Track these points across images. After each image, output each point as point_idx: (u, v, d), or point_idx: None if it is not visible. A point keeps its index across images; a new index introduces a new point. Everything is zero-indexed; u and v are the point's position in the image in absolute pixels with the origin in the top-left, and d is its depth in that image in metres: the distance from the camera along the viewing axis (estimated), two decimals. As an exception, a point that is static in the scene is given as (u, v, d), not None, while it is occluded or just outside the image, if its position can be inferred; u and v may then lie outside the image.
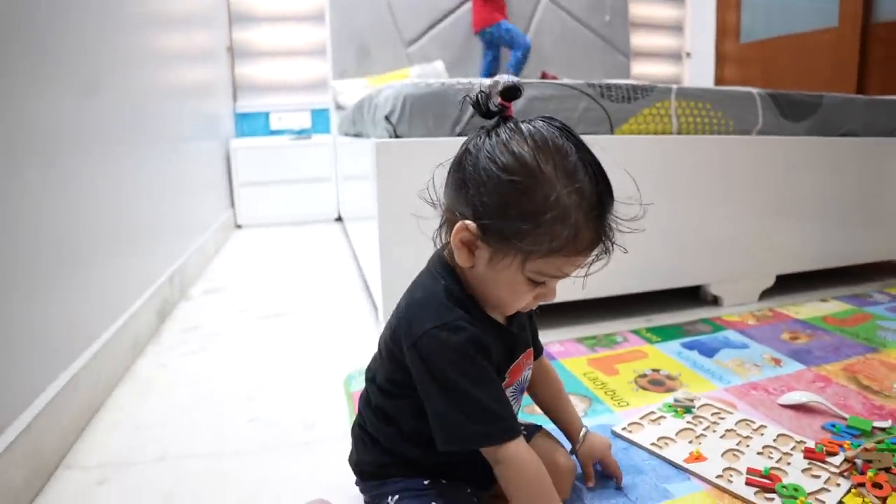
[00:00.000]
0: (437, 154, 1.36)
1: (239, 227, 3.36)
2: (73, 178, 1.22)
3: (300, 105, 3.61)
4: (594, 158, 0.66)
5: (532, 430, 0.91)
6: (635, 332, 1.57)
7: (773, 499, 0.87)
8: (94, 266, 1.28)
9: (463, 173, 0.67)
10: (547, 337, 1.53)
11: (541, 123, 0.66)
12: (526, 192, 0.63)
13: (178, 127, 2.21)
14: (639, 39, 4.17)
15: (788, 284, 1.92)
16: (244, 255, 2.66)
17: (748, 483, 0.91)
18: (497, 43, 3.39)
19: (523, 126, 0.65)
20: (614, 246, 0.69)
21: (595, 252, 0.68)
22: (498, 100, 0.68)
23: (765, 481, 0.90)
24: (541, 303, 0.74)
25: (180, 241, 2.07)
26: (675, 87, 1.59)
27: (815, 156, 1.76)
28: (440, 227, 0.74)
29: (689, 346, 1.46)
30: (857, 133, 1.86)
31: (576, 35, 3.87)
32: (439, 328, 0.67)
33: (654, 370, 1.33)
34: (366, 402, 0.83)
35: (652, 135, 1.56)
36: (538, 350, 0.91)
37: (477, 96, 0.68)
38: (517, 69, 3.32)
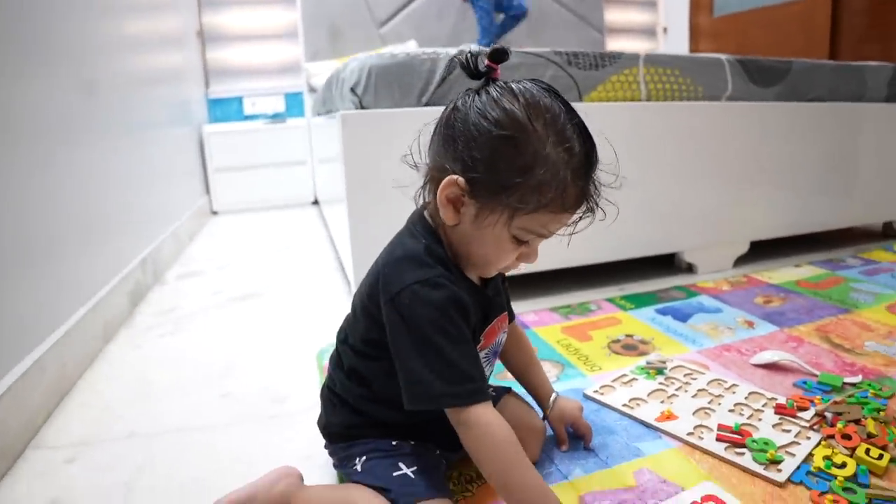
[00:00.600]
0: (403, 124, 1.38)
1: (215, 213, 3.32)
2: (40, 165, 1.20)
3: (273, 89, 3.57)
4: (580, 119, 0.67)
5: (501, 392, 0.92)
6: (609, 300, 1.58)
7: (743, 453, 0.88)
8: (61, 252, 1.25)
9: (452, 130, 0.67)
10: (522, 307, 1.54)
11: (529, 84, 0.66)
12: (517, 147, 0.63)
13: (146, 114, 2.17)
14: (612, 15, 4.16)
15: (763, 251, 1.94)
16: (220, 241, 2.63)
17: (719, 439, 0.91)
18: (487, 6, 3.28)
19: (513, 85, 0.66)
20: (598, 206, 0.70)
21: (580, 212, 0.69)
22: (486, 61, 0.68)
23: (735, 436, 0.91)
24: (523, 263, 0.74)
25: (152, 227, 2.04)
26: (643, 54, 1.58)
27: (785, 121, 1.77)
28: (423, 186, 0.74)
29: (663, 312, 1.47)
30: (825, 98, 1.87)
31: (549, 10, 3.85)
32: (420, 283, 0.67)
33: (627, 335, 1.34)
34: (336, 363, 0.82)
35: (621, 101, 1.56)
36: (511, 316, 0.91)
37: (466, 57, 0.69)
38: (501, 32, 3.28)
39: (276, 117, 3.54)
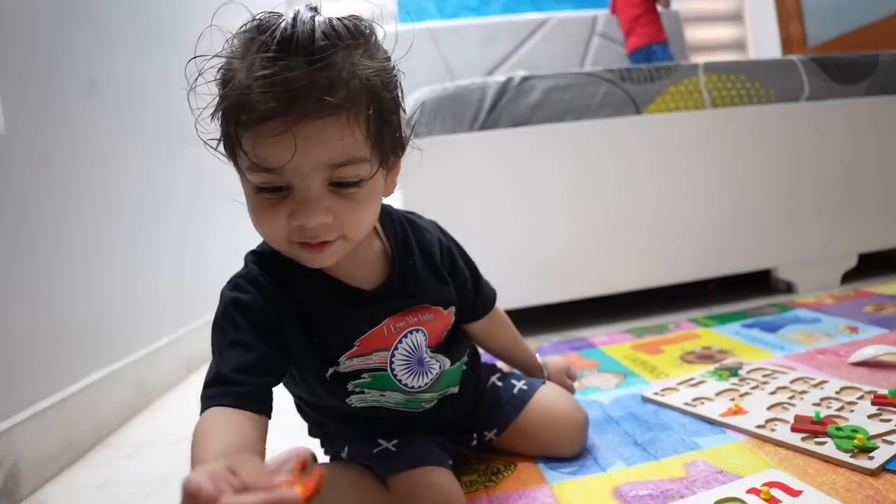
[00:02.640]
0: (457, 149, 1.40)
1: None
2: (163, 227, 1.38)
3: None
4: (317, 18, 0.52)
5: (535, 386, 0.85)
6: (692, 320, 1.45)
7: (824, 442, 0.75)
8: (159, 283, 1.40)
9: None
10: (593, 331, 1.45)
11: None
12: (220, 71, 0.54)
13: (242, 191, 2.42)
14: (697, 59, 4.07)
15: (877, 266, 1.71)
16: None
17: (794, 429, 0.79)
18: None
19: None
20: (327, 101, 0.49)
21: (301, 119, 0.49)
22: None
23: (815, 426, 0.78)
24: (303, 223, 0.53)
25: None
26: (702, 62, 1.53)
27: (882, 117, 1.60)
28: None
29: (750, 326, 1.33)
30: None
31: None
32: (227, 282, 0.62)
33: (704, 347, 1.22)
34: None
35: (683, 111, 1.50)
36: (487, 305, 0.81)
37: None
38: None
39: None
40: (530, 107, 1.44)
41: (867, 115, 1.59)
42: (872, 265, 1.69)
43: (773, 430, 0.80)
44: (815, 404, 0.86)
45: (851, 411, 0.82)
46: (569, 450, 0.79)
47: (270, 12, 0.53)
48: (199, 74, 0.55)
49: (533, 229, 1.45)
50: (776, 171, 1.55)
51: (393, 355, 0.66)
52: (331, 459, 0.76)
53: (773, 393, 0.92)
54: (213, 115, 0.54)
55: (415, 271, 0.68)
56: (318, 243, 0.55)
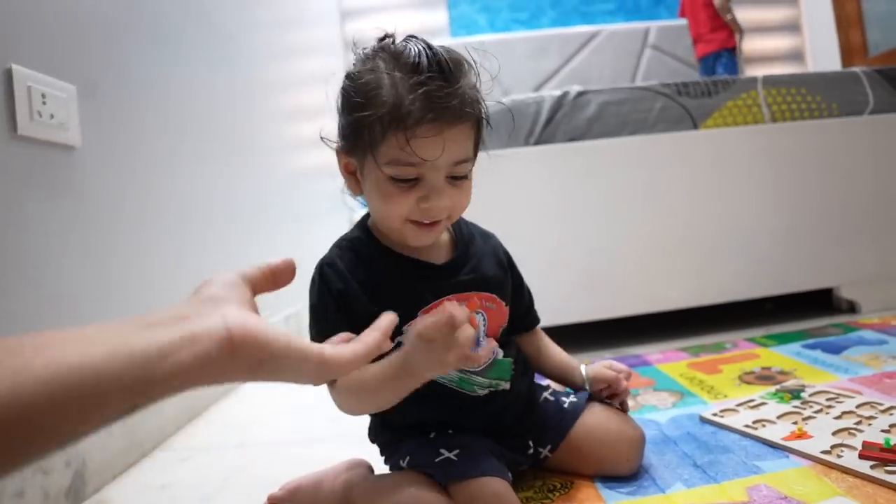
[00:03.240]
0: (512, 162, 1.41)
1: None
2: (218, 237, 1.51)
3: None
4: (434, 47, 0.64)
5: (582, 400, 0.84)
6: (750, 339, 1.41)
7: (895, 471, 0.72)
8: None
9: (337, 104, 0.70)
10: (647, 348, 1.43)
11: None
12: (356, 83, 0.65)
13: (306, 202, 2.51)
14: (753, 71, 3.97)
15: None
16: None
17: (862, 456, 0.76)
18: (713, 71, 3.28)
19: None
20: (469, 112, 0.64)
21: (444, 126, 0.62)
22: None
23: (886, 454, 0.75)
24: (432, 206, 0.65)
25: (299, 291, 2.23)
26: (761, 76, 1.50)
27: (951, 132, 1.53)
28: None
29: (812, 347, 1.28)
30: None
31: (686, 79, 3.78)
32: (316, 268, 0.72)
33: (763, 368, 1.18)
34: None
35: (741, 126, 1.47)
36: (530, 321, 0.86)
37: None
38: None
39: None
40: (586, 121, 1.43)
41: (937, 129, 1.53)
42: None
43: (839, 455, 0.78)
44: (883, 430, 0.83)
45: (924, 439, 0.79)
46: (625, 468, 0.78)
47: (386, 36, 0.67)
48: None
49: (586, 243, 1.44)
50: (838, 187, 1.50)
51: None
52: (391, 469, 0.77)
53: (838, 417, 0.89)
54: (349, 119, 0.65)
55: (476, 254, 0.77)
56: (431, 223, 0.67)
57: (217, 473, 0.97)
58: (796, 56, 3.95)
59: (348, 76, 0.67)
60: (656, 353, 1.37)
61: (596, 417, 0.81)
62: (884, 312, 1.50)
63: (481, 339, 0.74)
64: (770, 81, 1.49)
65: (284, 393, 1.41)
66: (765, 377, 1.13)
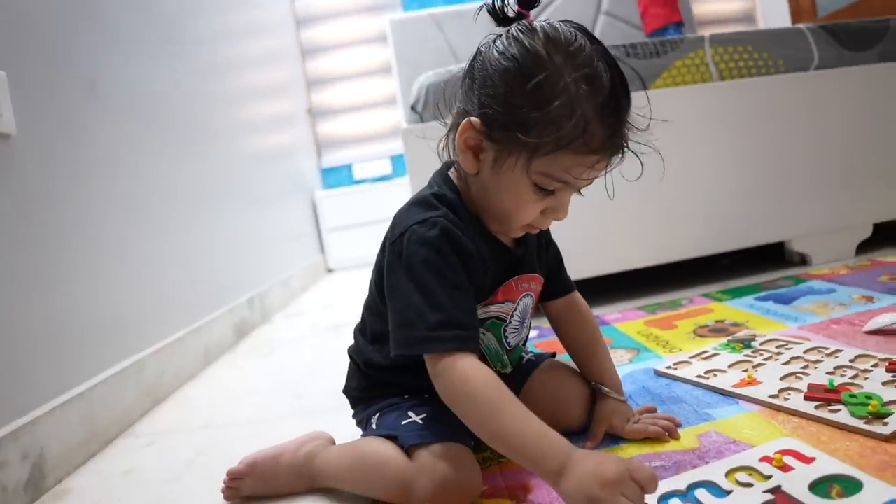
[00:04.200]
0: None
1: (330, 270, 3.52)
2: (182, 223, 1.49)
3: (379, 153, 3.80)
4: (611, 57, 0.63)
5: (542, 357, 0.86)
6: (705, 295, 1.44)
7: (838, 409, 0.74)
8: (170, 279, 1.43)
9: (472, 72, 0.65)
10: (606, 309, 1.45)
11: (555, 21, 0.64)
12: (532, 79, 0.60)
13: (265, 185, 2.46)
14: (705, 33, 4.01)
15: (892, 234, 1.69)
16: (329, 291, 2.77)
17: (807, 398, 0.79)
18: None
19: (536, 24, 0.63)
20: (626, 150, 0.64)
21: (610, 158, 0.63)
22: (516, 7, 0.66)
23: (828, 394, 0.78)
24: (552, 219, 0.70)
25: (261, 275, 2.21)
26: (707, 35, 1.51)
27: (895, 84, 1.57)
28: (447, 134, 0.71)
29: (764, 299, 1.32)
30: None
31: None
32: (420, 224, 0.66)
33: (717, 321, 1.22)
34: (358, 328, 0.83)
35: (691, 85, 1.48)
36: (565, 287, 0.87)
37: (493, 2, 0.66)
38: None
39: (381, 179, 3.76)
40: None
41: (880, 82, 1.56)
42: (888, 235, 1.68)
43: (786, 399, 0.80)
44: (828, 373, 0.86)
45: (866, 379, 0.82)
46: (577, 421, 0.80)
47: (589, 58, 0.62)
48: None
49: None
50: (787, 143, 1.53)
51: (516, 308, 0.76)
52: (357, 423, 0.80)
53: (786, 363, 0.92)
54: (512, 111, 0.61)
55: (531, 240, 0.78)
56: (538, 228, 0.71)
57: (182, 456, 0.97)
58: (748, 18, 4.00)
59: (514, 58, 0.61)
60: (614, 313, 1.40)
61: (548, 373, 0.83)
62: (833, 263, 1.55)
63: (526, 319, 0.79)
64: (717, 40, 1.51)
65: (250, 374, 1.40)
66: (718, 330, 1.16)
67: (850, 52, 1.56)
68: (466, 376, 0.61)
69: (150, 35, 1.53)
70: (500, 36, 0.64)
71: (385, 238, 0.73)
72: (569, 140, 0.59)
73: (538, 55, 0.60)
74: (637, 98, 0.66)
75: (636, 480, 0.53)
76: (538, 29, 0.62)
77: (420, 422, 0.70)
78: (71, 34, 1.17)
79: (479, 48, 0.66)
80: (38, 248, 0.98)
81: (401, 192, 3.51)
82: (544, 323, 0.90)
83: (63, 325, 1.01)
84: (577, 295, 0.88)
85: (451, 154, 0.71)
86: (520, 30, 0.63)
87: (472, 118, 0.64)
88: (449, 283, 0.64)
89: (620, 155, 0.65)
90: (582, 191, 0.69)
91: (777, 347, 0.99)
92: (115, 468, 0.96)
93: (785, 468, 0.63)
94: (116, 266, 1.20)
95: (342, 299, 2.42)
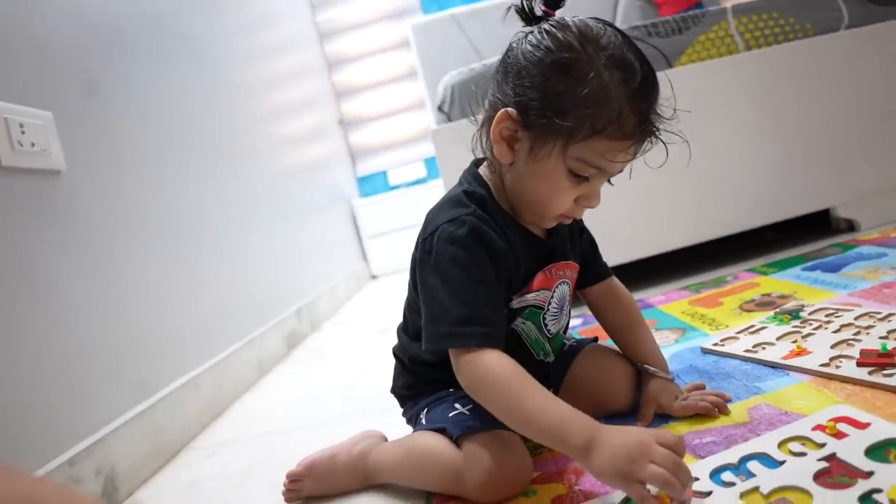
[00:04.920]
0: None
1: (374, 277, 3.57)
2: (225, 240, 1.56)
3: (412, 157, 3.83)
4: (638, 49, 0.65)
5: (584, 343, 0.87)
6: (750, 270, 1.42)
7: (892, 374, 0.73)
8: (223, 293, 1.49)
9: (505, 66, 0.68)
10: (650, 292, 1.44)
11: (586, 17, 0.67)
12: (567, 69, 0.63)
13: (303, 198, 2.53)
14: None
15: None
16: (374, 297, 2.82)
17: (860, 364, 0.77)
18: None
19: (568, 19, 0.66)
20: (658, 138, 0.67)
21: (641, 144, 0.66)
22: (542, 6, 0.69)
23: (882, 359, 0.76)
24: (584, 207, 0.71)
25: (307, 286, 2.27)
26: (730, 5, 1.48)
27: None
28: (480, 128, 0.74)
29: (811, 269, 1.29)
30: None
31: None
32: (450, 222, 0.68)
33: (764, 295, 1.19)
34: (401, 327, 0.85)
35: (717, 59, 1.46)
36: (602, 272, 0.88)
37: (521, 2, 0.69)
38: None
39: (416, 183, 3.79)
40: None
41: (917, 36, 1.50)
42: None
43: (837, 367, 0.79)
44: (881, 337, 0.84)
45: (921, 341, 0.80)
46: (624, 403, 0.80)
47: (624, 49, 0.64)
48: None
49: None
50: (823, 108, 1.49)
51: (552, 296, 0.76)
52: (407, 421, 0.82)
53: (836, 331, 0.90)
54: (547, 98, 0.63)
55: (563, 229, 0.79)
56: (572, 218, 0.73)
57: (242, 464, 1.01)
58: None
59: (549, 49, 0.64)
60: (658, 296, 1.39)
61: (591, 357, 0.84)
62: (883, 227, 1.50)
63: (565, 306, 0.81)
64: (740, 10, 1.48)
65: (302, 382, 1.45)
66: (765, 303, 1.14)
67: (882, 6, 1.50)
68: (489, 367, 0.62)
69: (182, 60, 1.59)
70: (532, 31, 0.67)
71: (418, 236, 0.75)
72: (604, 125, 0.62)
73: (572, 45, 0.63)
74: (662, 80, 0.67)
75: (663, 445, 0.54)
76: (569, 24, 0.65)
77: (467, 412, 0.71)
78: (108, 67, 1.22)
79: (510, 44, 0.69)
80: (97, 274, 1.04)
81: (437, 194, 3.53)
82: (588, 311, 0.90)
83: (127, 343, 1.07)
84: (614, 280, 0.89)
85: (484, 148, 0.74)
86: (552, 25, 0.66)
87: (509, 109, 0.66)
88: (475, 279, 0.66)
89: (651, 141, 0.67)
90: (612, 179, 0.71)
91: (826, 316, 0.97)
92: (180, 479, 1.01)
93: (839, 435, 0.63)
94: (164, 290, 1.25)
95: (386, 304, 2.46)
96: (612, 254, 1.43)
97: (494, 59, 1.46)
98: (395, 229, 3.53)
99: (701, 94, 1.45)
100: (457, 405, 0.73)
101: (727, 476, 0.60)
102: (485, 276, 0.67)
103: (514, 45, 0.68)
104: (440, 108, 1.49)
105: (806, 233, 1.61)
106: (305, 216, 2.48)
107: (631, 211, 1.45)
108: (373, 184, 3.86)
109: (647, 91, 0.63)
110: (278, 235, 2.05)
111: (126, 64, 1.30)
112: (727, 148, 1.47)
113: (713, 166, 1.47)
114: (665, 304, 1.31)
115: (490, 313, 0.66)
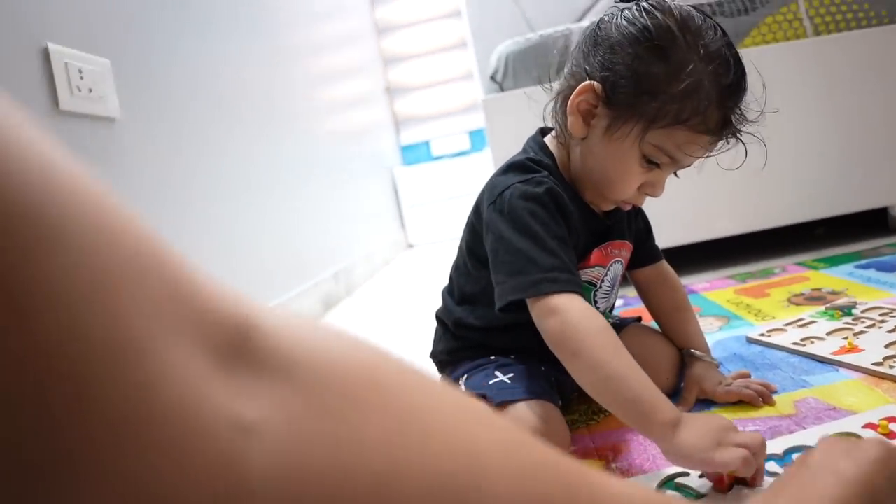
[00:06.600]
0: (544, 99, 1.39)
1: (411, 246, 3.59)
2: (269, 200, 1.61)
3: (457, 129, 3.81)
4: (736, 50, 0.65)
5: (626, 322, 0.86)
6: (800, 263, 1.38)
7: (951, 377, 0.71)
8: (262, 252, 1.52)
9: (595, 38, 0.67)
10: (695, 279, 1.42)
11: (685, 5, 0.66)
12: (663, 55, 0.62)
13: (347, 164, 2.55)
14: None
15: None
16: (411, 266, 2.84)
17: (915, 365, 0.75)
18: None
19: (667, 2, 0.65)
20: (739, 139, 0.68)
21: (719, 141, 0.67)
22: None
23: (940, 361, 0.74)
24: (646, 195, 0.71)
25: (344, 251, 2.29)
26: (802, -13, 1.42)
27: None
28: (555, 98, 0.73)
29: (865, 267, 1.25)
30: None
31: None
32: (524, 182, 0.68)
33: (814, 289, 1.16)
34: (447, 290, 0.85)
35: (783, 42, 1.40)
36: (653, 255, 0.87)
37: None
38: None
39: (459, 154, 3.77)
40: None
41: None
42: None
43: (891, 367, 0.77)
44: (939, 340, 0.81)
45: (982, 345, 0.77)
46: (666, 385, 0.79)
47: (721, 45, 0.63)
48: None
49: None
50: (889, 102, 1.43)
51: (606, 274, 0.77)
52: None
53: (891, 331, 0.87)
54: (638, 78, 0.63)
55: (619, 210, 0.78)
56: (631, 205, 0.73)
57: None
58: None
59: (646, 29, 0.62)
60: (703, 283, 1.36)
61: (634, 336, 0.83)
62: (944, 228, 1.44)
63: (616, 286, 0.81)
64: (813, -7, 1.42)
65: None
66: (815, 298, 1.11)
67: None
68: (586, 314, 0.60)
69: (238, 18, 1.61)
70: (629, 6, 0.66)
71: (479, 200, 0.75)
72: (688, 116, 0.61)
73: (671, 30, 0.62)
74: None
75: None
76: (671, 8, 0.64)
77: (507, 381, 0.71)
78: (167, 22, 1.24)
79: (602, 17, 0.68)
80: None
81: (479, 167, 3.52)
82: (629, 292, 0.90)
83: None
84: (664, 263, 0.88)
85: (557, 118, 0.73)
86: (652, 4, 0.64)
87: (594, 83, 0.65)
88: (555, 234, 0.66)
89: (729, 141, 0.67)
90: (678, 172, 0.71)
91: (881, 315, 0.94)
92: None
93: (891, 435, 0.62)
94: (211, 241, 1.28)
95: (421, 273, 2.47)
96: (660, 236, 1.41)
97: (550, 30, 1.45)
98: (436, 200, 3.53)
99: (764, 78, 1.39)
100: (497, 373, 0.73)
101: (771, 466, 0.60)
102: (563, 234, 0.67)
103: (607, 18, 0.66)
104: (493, 78, 1.47)
105: (860, 231, 1.56)
106: (348, 181, 2.50)
107: (680, 195, 1.42)
108: (416, 153, 3.86)
109: (736, 90, 0.63)
110: (320, 198, 2.07)
111: (182, 19, 1.31)
112: (784, 136, 1.43)
113: (770, 154, 1.42)
114: (710, 290, 1.29)
115: (572, 264, 0.65)
